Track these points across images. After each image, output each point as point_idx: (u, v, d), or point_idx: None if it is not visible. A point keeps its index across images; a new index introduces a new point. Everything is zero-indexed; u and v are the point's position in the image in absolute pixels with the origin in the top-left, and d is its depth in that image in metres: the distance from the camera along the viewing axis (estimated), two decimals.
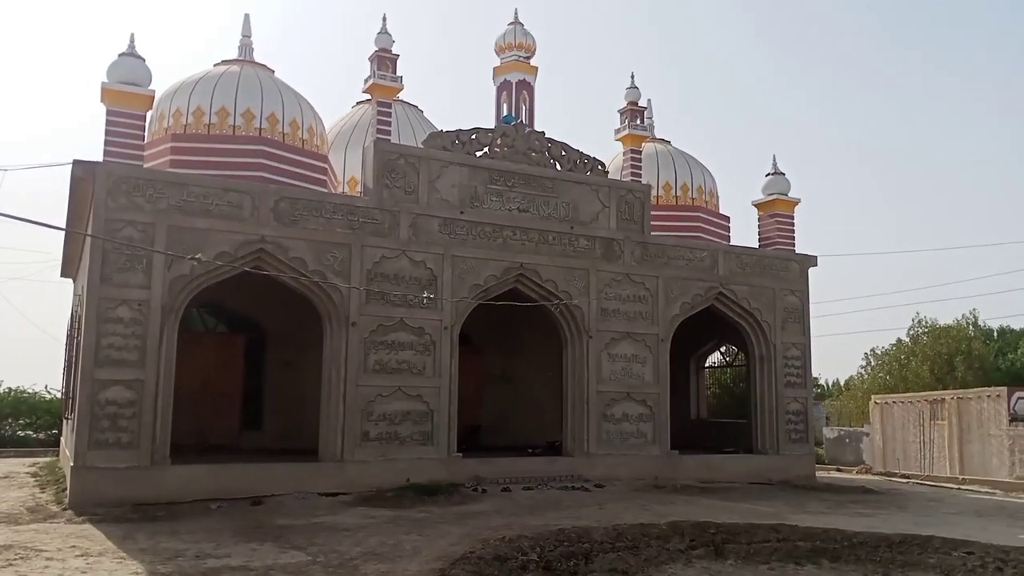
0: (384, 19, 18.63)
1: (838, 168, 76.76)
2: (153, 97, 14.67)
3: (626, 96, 20.87)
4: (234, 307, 17.23)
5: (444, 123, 22.61)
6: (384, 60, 18.03)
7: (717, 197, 22.25)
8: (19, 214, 7.87)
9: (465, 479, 14.28)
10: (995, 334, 35.89)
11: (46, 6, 68.70)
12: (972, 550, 9.08)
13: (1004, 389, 18.99)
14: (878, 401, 22.47)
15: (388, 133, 17.70)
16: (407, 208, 14.64)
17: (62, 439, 18.42)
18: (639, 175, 20.04)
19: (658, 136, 22.71)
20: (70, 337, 16.99)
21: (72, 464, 12.05)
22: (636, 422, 16.29)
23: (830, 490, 16.30)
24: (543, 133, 16.57)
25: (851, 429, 25.19)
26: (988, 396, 19.05)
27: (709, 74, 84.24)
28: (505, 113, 21.68)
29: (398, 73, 18.15)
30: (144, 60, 14.68)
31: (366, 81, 18.21)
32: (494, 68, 22.53)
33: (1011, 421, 18.20)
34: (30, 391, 25.57)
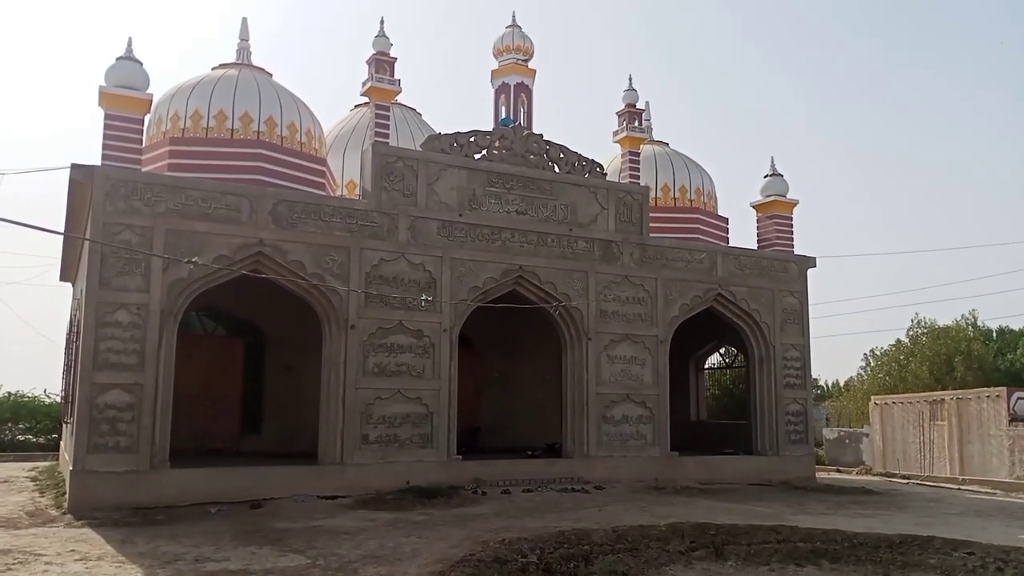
0: (382, 22, 18.67)
1: (836, 169, 76.87)
2: (151, 101, 14.69)
3: (624, 98, 20.90)
4: (233, 311, 17.22)
5: (442, 126, 22.70)
6: (382, 63, 18.07)
7: (715, 199, 22.28)
8: (17, 218, 7.87)
9: (465, 481, 14.26)
10: (994, 334, 35.90)
11: (44, 9, 68.76)
12: (973, 550, 9.06)
13: (1004, 389, 18.98)
14: (878, 402, 22.46)
15: (386, 136, 17.73)
16: (406, 211, 14.64)
17: (62, 443, 18.40)
18: (637, 177, 20.07)
19: (656, 138, 22.74)
20: (69, 341, 16.98)
21: (71, 468, 12.03)
22: (636, 424, 16.27)
23: (830, 491, 16.28)
24: (541, 135, 16.57)
25: (851, 430, 25.18)
26: (988, 396, 19.04)
27: (707, 76, 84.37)
28: (503, 116, 21.72)
29: (396, 76, 18.19)
30: (142, 64, 14.71)
31: (364, 84, 18.24)
32: (492, 71, 22.56)
33: (1011, 421, 18.19)
34: (30, 395, 25.57)
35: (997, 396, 18.74)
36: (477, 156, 15.63)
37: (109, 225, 12.37)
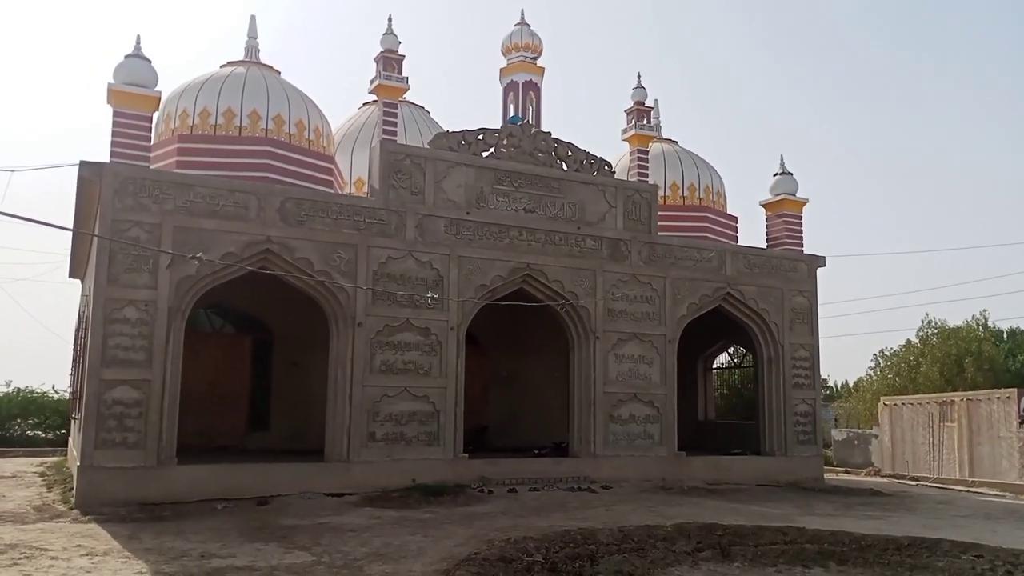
0: (390, 20, 18.62)
1: (846, 168, 76.52)
2: (159, 98, 14.69)
3: (633, 96, 20.80)
4: (241, 308, 17.25)
5: (450, 124, 22.59)
6: (390, 61, 18.02)
7: (724, 197, 22.16)
8: (27, 214, 7.89)
9: (471, 480, 14.25)
10: (1005, 335, 35.64)
11: (53, 7, 69.07)
12: (982, 553, 8.99)
13: (1014, 391, 18.83)
14: (887, 403, 22.34)
15: (394, 134, 17.69)
16: (413, 208, 14.62)
17: (70, 439, 18.49)
18: (646, 175, 19.97)
19: (665, 136, 22.62)
20: (78, 337, 17.05)
21: (79, 464, 12.08)
22: (643, 423, 16.23)
23: (838, 492, 16.20)
24: (549, 133, 16.53)
25: (860, 431, 25.06)
26: (998, 398, 18.90)
27: (716, 74, 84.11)
28: (512, 113, 21.65)
29: (404, 74, 18.13)
30: (150, 61, 14.71)
31: (372, 82, 18.20)
32: (501, 69, 22.50)
33: (1021, 423, 18.04)
34: (39, 391, 25.72)
35: (1008, 398, 18.60)
36: (485, 154, 15.60)
37: (118, 222, 12.41)
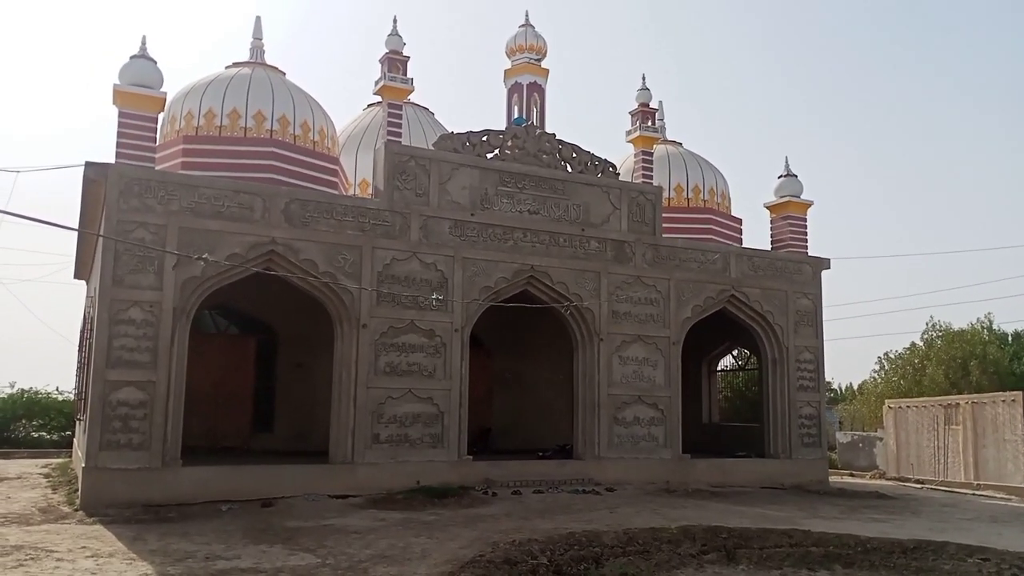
0: (395, 21, 18.64)
1: (851, 170, 76.41)
2: (165, 99, 14.72)
3: (637, 98, 20.81)
4: (246, 309, 17.27)
5: (455, 125, 22.68)
6: (395, 62, 18.04)
7: (729, 199, 22.14)
8: (32, 215, 7.90)
9: (475, 482, 14.24)
10: (1010, 338, 35.49)
11: (59, 8, 69.26)
12: (987, 556, 8.95)
13: (1019, 394, 18.76)
14: (892, 405, 22.28)
15: (399, 135, 17.71)
16: (418, 210, 14.62)
17: (75, 440, 18.50)
18: (650, 177, 19.97)
19: (669, 138, 22.62)
20: (83, 339, 17.06)
21: (84, 465, 12.08)
22: (647, 425, 16.20)
23: (843, 495, 16.16)
24: (554, 135, 16.52)
25: (864, 434, 24.99)
26: (1003, 401, 18.85)
27: (721, 76, 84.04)
28: (516, 115, 21.67)
29: (409, 75, 18.16)
30: (156, 62, 14.74)
31: (377, 83, 18.23)
32: (505, 70, 22.51)
33: None
34: (43, 392, 25.75)
35: (1013, 400, 18.54)
36: (489, 155, 15.60)
37: (123, 223, 12.42)
